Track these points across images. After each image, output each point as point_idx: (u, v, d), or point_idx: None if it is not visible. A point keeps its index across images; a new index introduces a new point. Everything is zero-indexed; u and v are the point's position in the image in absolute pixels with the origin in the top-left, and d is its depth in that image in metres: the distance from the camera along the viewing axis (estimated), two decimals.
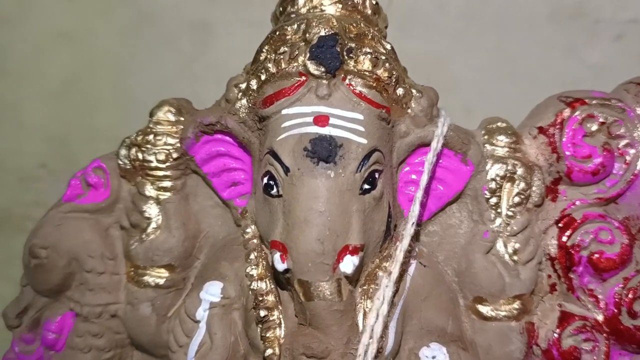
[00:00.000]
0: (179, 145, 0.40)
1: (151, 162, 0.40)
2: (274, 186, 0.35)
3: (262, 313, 0.36)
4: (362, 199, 0.35)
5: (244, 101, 0.38)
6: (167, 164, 0.40)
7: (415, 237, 0.37)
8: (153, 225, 0.41)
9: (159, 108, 0.42)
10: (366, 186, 0.35)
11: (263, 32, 0.88)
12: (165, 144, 0.40)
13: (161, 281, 0.41)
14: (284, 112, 0.35)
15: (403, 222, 0.37)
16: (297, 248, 0.33)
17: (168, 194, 0.41)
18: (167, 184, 0.41)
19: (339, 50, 0.35)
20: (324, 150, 0.33)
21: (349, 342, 0.34)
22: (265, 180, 0.36)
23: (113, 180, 0.42)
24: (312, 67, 0.35)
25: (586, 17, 0.80)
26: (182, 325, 0.38)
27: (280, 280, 0.37)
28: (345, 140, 0.34)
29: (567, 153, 0.41)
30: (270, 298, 0.37)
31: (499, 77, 0.83)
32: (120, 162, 0.42)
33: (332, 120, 0.34)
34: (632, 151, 0.41)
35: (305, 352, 0.34)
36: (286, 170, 0.34)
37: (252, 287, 0.38)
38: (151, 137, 0.41)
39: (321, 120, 0.34)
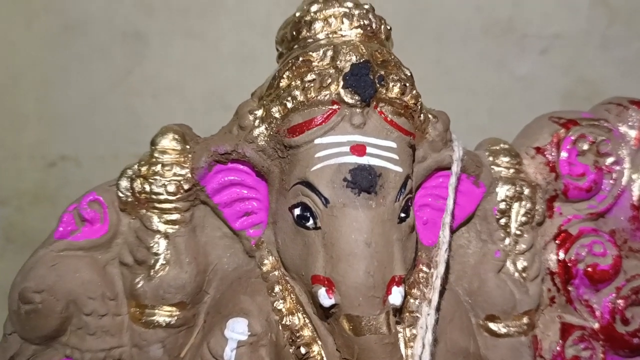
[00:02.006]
0: (189, 175, 0.38)
1: (160, 194, 0.38)
2: (310, 218, 0.34)
3: (303, 350, 0.35)
4: (399, 228, 0.35)
5: (262, 128, 0.37)
6: (178, 196, 0.38)
7: (446, 263, 0.38)
8: (161, 261, 0.38)
9: (162, 136, 0.39)
10: (402, 214, 0.35)
11: (200, 42, 0.86)
12: (175, 174, 0.38)
13: (173, 320, 0.39)
14: (317, 141, 0.34)
15: (433, 249, 0.37)
16: (347, 282, 0.33)
17: (177, 227, 0.39)
18: (175, 216, 0.38)
19: (372, 77, 0.34)
20: (364, 181, 0.33)
21: None
22: (297, 211, 0.35)
23: (111, 214, 0.39)
24: (346, 96, 0.34)
25: (515, 32, 0.85)
26: None
27: (317, 315, 0.36)
28: (384, 170, 0.34)
29: (564, 172, 0.43)
30: (307, 333, 0.36)
31: (437, 87, 0.86)
32: (121, 195, 0.39)
33: (369, 150, 0.34)
34: (617, 168, 0.44)
35: None
36: (325, 201, 0.34)
37: (283, 322, 0.37)
38: (158, 167, 0.38)
39: (358, 149, 0.34)
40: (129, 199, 0.39)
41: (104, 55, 0.81)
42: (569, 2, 0.84)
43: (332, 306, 0.34)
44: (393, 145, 0.35)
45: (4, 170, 0.83)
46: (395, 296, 0.33)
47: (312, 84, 0.35)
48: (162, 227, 0.38)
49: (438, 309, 0.36)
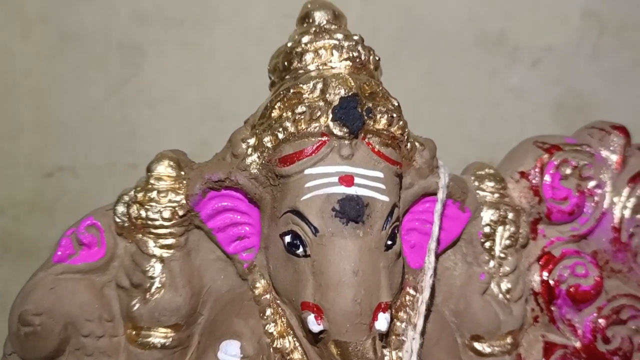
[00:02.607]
0: (184, 202, 0.39)
1: (156, 220, 0.39)
2: (300, 246, 0.35)
3: None
4: (386, 255, 0.36)
5: (254, 157, 0.38)
6: (173, 221, 0.39)
7: (431, 287, 0.39)
8: (157, 284, 0.39)
9: (158, 163, 0.40)
10: (389, 242, 0.36)
11: (195, 53, 0.87)
12: (170, 201, 0.39)
13: (168, 341, 0.40)
14: (307, 171, 0.36)
15: (419, 274, 0.39)
16: (335, 310, 0.34)
17: (172, 251, 0.40)
18: (170, 241, 0.40)
19: (360, 110, 0.35)
20: (352, 211, 0.34)
21: None
22: (288, 239, 0.36)
23: (108, 238, 0.40)
24: (335, 129, 0.35)
25: (507, 44, 0.86)
26: None
27: (306, 338, 0.37)
28: (371, 199, 0.35)
29: (547, 196, 0.44)
30: (297, 356, 0.37)
31: (429, 98, 0.87)
32: (118, 220, 0.40)
33: (357, 180, 0.35)
34: (599, 191, 0.46)
35: None
36: (315, 231, 0.35)
37: (274, 345, 0.38)
38: (154, 194, 0.39)
39: (347, 180, 0.35)
40: (126, 224, 0.40)
41: (100, 65, 0.82)
42: (559, 14, 0.85)
43: (321, 332, 0.35)
44: (380, 175, 0.36)
45: (1, 179, 0.83)
46: (381, 322, 0.35)
47: (303, 116, 0.36)
48: (158, 252, 0.40)
49: (423, 333, 0.38)
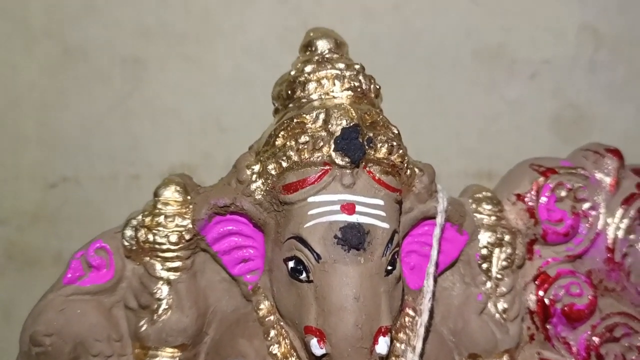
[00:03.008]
0: (191, 226, 0.40)
1: (163, 244, 0.40)
2: (303, 271, 0.37)
3: None
4: (387, 280, 0.37)
5: (259, 183, 0.39)
6: (180, 245, 0.40)
7: (430, 310, 0.40)
8: (164, 305, 0.41)
9: (165, 187, 0.42)
10: (389, 267, 0.37)
11: (197, 67, 0.88)
12: (177, 225, 0.40)
13: None
14: (310, 199, 0.37)
15: (414, 294, 0.40)
16: (337, 334, 0.35)
17: (178, 273, 0.41)
18: (177, 264, 0.41)
19: (361, 141, 0.37)
20: (354, 238, 0.36)
21: None
22: (291, 264, 0.37)
23: (117, 261, 0.42)
24: (337, 159, 0.37)
25: (505, 58, 0.87)
26: None
27: (307, 357, 0.38)
28: (372, 227, 0.37)
29: (543, 218, 0.46)
30: None
31: (428, 111, 0.88)
32: (126, 243, 0.41)
33: (358, 208, 0.36)
34: (594, 213, 0.47)
35: None
36: (317, 257, 0.36)
37: None
38: (161, 218, 0.41)
39: (348, 208, 0.36)
40: (134, 247, 0.41)
41: (103, 79, 0.83)
42: (556, 28, 0.86)
43: (323, 355, 0.36)
44: (381, 202, 0.37)
45: (5, 190, 0.84)
46: (382, 346, 0.36)
47: (306, 146, 0.37)
48: (165, 274, 0.41)
49: (422, 355, 0.39)
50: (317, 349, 0.36)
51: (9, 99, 0.83)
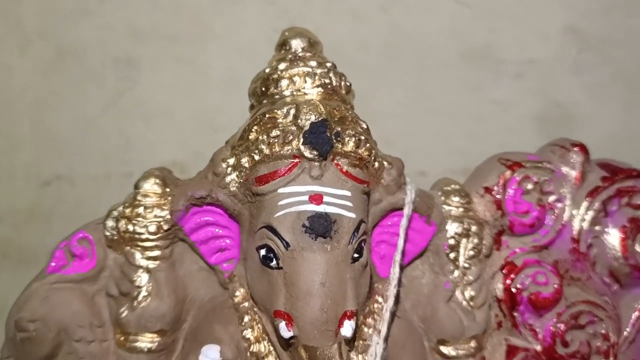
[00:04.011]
0: (169, 217, 0.42)
1: (142, 234, 0.42)
2: (273, 258, 0.39)
3: None
4: (353, 267, 0.39)
5: (233, 176, 0.41)
6: (158, 235, 0.42)
7: (395, 296, 0.42)
8: (144, 293, 0.43)
9: (145, 180, 0.43)
10: (356, 255, 0.39)
11: (189, 68, 0.90)
12: (156, 216, 0.42)
13: (153, 346, 0.43)
14: (280, 190, 0.39)
15: (384, 281, 0.42)
16: (304, 318, 0.37)
17: (157, 262, 0.43)
18: (156, 253, 0.43)
19: (329, 135, 0.39)
20: (321, 227, 0.37)
21: None
22: (263, 252, 0.39)
23: (99, 250, 0.44)
24: (306, 152, 0.39)
25: (491, 58, 0.88)
26: None
27: (279, 343, 0.40)
28: (338, 216, 0.38)
29: (509, 210, 0.47)
30: (271, 359, 0.40)
31: (416, 111, 0.89)
32: (108, 233, 0.43)
33: (325, 199, 0.38)
34: (559, 205, 0.49)
35: None
36: (286, 245, 0.38)
37: (251, 349, 0.41)
38: (141, 209, 0.43)
39: (316, 198, 0.38)
40: (115, 237, 0.43)
41: (97, 79, 0.84)
42: (541, 29, 0.87)
43: (291, 338, 0.38)
44: (348, 193, 0.39)
45: (0, 189, 0.86)
46: (346, 329, 0.38)
47: (277, 140, 0.39)
48: (144, 263, 0.43)
49: (387, 339, 0.41)
50: (285, 331, 0.38)
51: (3, 99, 0.84)
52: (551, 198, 0.48)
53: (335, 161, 0.39)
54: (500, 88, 0.88)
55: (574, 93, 0.88)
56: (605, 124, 0.88)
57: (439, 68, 0.87)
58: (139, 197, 0.43)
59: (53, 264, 0.44)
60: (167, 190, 0.43)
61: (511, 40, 0.87)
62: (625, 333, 0.50)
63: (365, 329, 0.41)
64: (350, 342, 0.40)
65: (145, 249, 0.43)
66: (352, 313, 0.38)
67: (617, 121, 0.89)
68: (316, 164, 0.39)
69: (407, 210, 0.42)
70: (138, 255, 0.43)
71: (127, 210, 0.43)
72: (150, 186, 0.43)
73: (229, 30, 0.85)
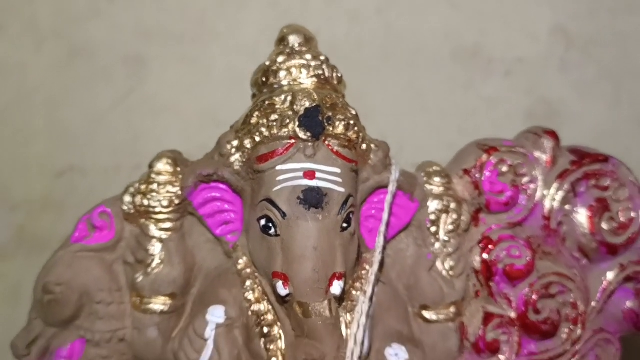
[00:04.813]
0: (179, 192, 0.48)
1: (156, 207, 0.47)
2: (272, 227, 0.44)
3: (266, 329, 0.45)
4: (342, 235, 0.44)
5: (237, 156, 0.46)
6: (170, 209, 0.48)
7: (380, 262, 0.47)
8: (157, 260, 0.48)
9: (158, 160, 0.49)
10: (344, 225, 0.44)
11: (194, 66, 0.93)
12: (168, 192, 0.48)
13: (165, 308, 0.48)
14: (278, 167, 0.44)
15: (371, 251, 0.47)
16: (298, 278, 0.42)
17: (169, 233, 0.48)
18: (168, 225, 0.48)
19: (321, 119, 0.44)
20: (313, 199, 0.43)
21: (339, 348, 0.43)
22: (263, 222, 0.44)
23: (117, 223, 0.49)
24: (300, 133, 0.44)
25: (481, 57, 0.92)
26: (192, 344, 0.46)
27: (278, 302, 0.45)
28: (329, 190, 0.43)
29: (486, 189, 0.52)
30: (270, 317, 0.46)
31: (409, 107, 0.93)
32: (125, 208, 0.48)
33: (318, 175, 0.43)
34: (532, 186, 0.53)
35: (306, 357, 0.43)
36: (283, 215, 0.43)
37: (252, 309, 0.46)
38: (155, 186, 0.48)
39: (309, 174, 0.43)
40: (131, 211, 0.49)
41: (107, 77, 0.89)
42: (530, 30, 0.91)
43: (287, 295, 0.43)
44: (338, 170, 0.44)
45: (16, 179, 0.90)
46: (336, 288, 0.43)
47: (275, 123, 0.44)
48: (158, 234, 0.48)
49: (371, 298, 0.46)
50: (282, 290, 0.43)
51: (19, 95, 0.89)
52: (524, 180, 0.53)
53: (326, 142, 0.44)
54: (490, 86, 0.92)
55: (561, 91, 0.92)
56: (591, 120, 0.92)
57: (431, 67, 0.91)
58: (152, 175, 0.48)
59: (76, 234, 0.49)
60: (178, 169, 0.48)
61: (500, 40, 0.91)
62: (593, 304, 0.55)
63: (354, 292, 0.46)
64: (339, 300, 0.45)
65: (159, 221, 0.48)
66: (341, 274, 0.43)
67: (602, 117, 0.93)
68: (310, 144, 0.44)
69: (391, 188, 0.47)
70: (152, 227, 0.48)
71: (143, 187, 0.48)
72: (163, 166, 0.48)
73: (231, 30, 0.89)
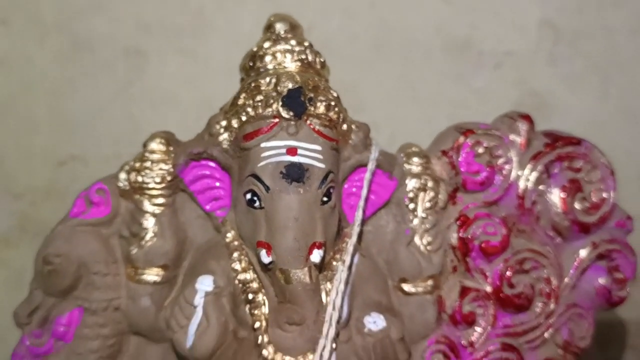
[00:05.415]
0: (172, 170, 0.51)
1: (149, 183, 0.50)
2: (257, 200, 0.47)
3: (250, 296, 0.48)
4: (322, 209, 0.47)
5: (225, 135, 0.49)
6: (163, 185, 0.51)
7: (359, 236, 0.50)
8: (150, 233, 0.51)
9: (152, 140, 0.52)
10: (325, 199, 0.47)
11: (193, 58, 0.96)
12: (161, 169, 0.51)
13: (158, 278, 0.51)
14: (262, 145, 0.47)
15: (351, 225, 0.50)
16: (280, 246, 0.45)
17: (162, 208, 0.51)
18: (161, 200, 0.51)
19: (303, 99, 0.47)
20: (295, 174, 0.46)
21: (319, 312, 0.46)
22: (248, 196, 0.47)
23: (113, 199, 0.52)
24: (283, 112, 0.47)
25: (471, 49, 0.94)
26: (182, 311, 0.49)
27: (262, 270, 0.48)
28: (310, 166, 0.46)
29: (463, 170, 0.55)
30: (255, 285, 0.49)
31: (401, 99, 0.95)
32: (120, 184, 0.52)
33: (299, 151, 0.46)
34: (507, 167, 0.56)
35: (287, 321, 0.46)
36: (267, 188, 0.46)
37: (238, 278, 0.49)
38: (148, 163, 0.51)
39: (292, 151, 0.46)
40: (126, 187, 0.52)
41: (108, 69, 0.92)
42: (519, 23, 0.93)
43: (270, 263, 0.46)
44: (318, 148, 0.47)
45: (19, 168, 0.93)
46: (315, 256, 0.46)
47: (260, 103, 0.47)
48: (151, 209, 0.51)
49: (350, 267, 0.49)
50: (266, 257, 0.46)
51: (23, 86, 0.92)
52: (500, 161, 0.56)
53: (308, 121, 0.47)
54: (480, 78, 0.95)
55: (550, 83, 0.94)
56: (578, 112, 0.94)
57: (422, 59, 0.94)
58: (146, 154, 0.51)
59: (75, 209, 0.52)
60: (171, 148, 0.52)
61: (490, 33, 0.93)
62: (566, 280, 0.57)
63: (334, 263, 0.49)
64: (320, 269, 0.48)
65: (152, 196, 0.51)
66: (321, 244, 0.46)
67: (590, 109, 0.95)
68: (292, 123, 0.47)
69: (370, 166, 0.50)
70: (146, 202, 0.51)
71: (137, 164, 0.51)
72: (156, 145, 0.51)
73: (229, 24, 0.92)
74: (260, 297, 0.48)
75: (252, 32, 0.92)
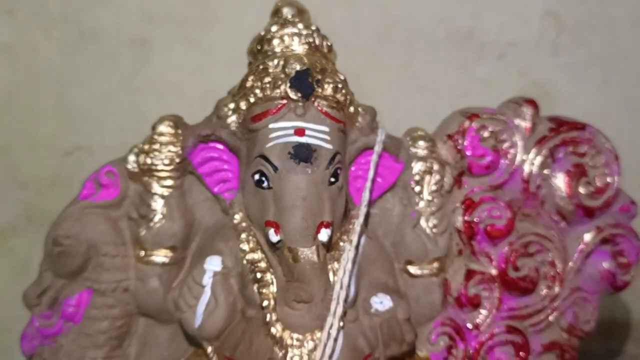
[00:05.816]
0: (180, 152, 0.51)
1: (158, 165, 0.51)
2: (265, 181, 0.47)
3: (259, 275, 0.48)
4: (330, 189, 0.48)
5: (233, 117, 0.50)
6: (171, 167, 0.51)
7: (365, 217, 0.51)
8: (159, 215, 0.51)
9: (160, 123, 0.52)
10: (332, 179, 0.48)
11: (198, 49, 0.96)
12: (169, 151, 0.51)
13: (166, 260, 0.52)
14: (270, 126, 0.47)
15: (357, 207, 0.50)
16: (288, 225, 0.46)
17: (170, 190, 0.52)
18: (169, 182, 0.51)
19: (311, 81, 0.47)
20: (303, 154, 0.46)
21: (326, 291, 0.47)
22: (257, 176, 0.48)
23: (122, 181, 0.52)
24: (291, 94, 0.47)
25: (475, 40, 0.94)
26: (190, 291, 0.49)
27: (270, 250, 0.49)
28: (318, 147, 0.47)
29: (468, 153, 0.55)
30: (263, 264, 0.49)
31: (405, 89, 0.96)
32: (129, 167, 0.52)
33: (307, 132, 0.47)
34: (512, 151, 0.56)
35: (295, 299, 0.46)
36: (275, 169, 0.47)
37: (246, 258, 0.50)
38: (157, 146, 0.51)
39: (300, 132, 0.47)
40: (135, 170, 0.52)
41: (114, 59, 0.92)
42: (522, 14, 0.94)
43: (278, 242, 0.46)
44: (326, 129, 0.48)
45: (26, 158, 0.93)
46: (323, 235, 0.46)
47: (268, 85, 0.48)
48: (160, 191, 0.51)
49: (357, 247, 0.49)
50: (274, 236, 0.46)
51: (30, 76, 0.92)
52: (505, 145, 0.56)
53: (315, 103, 0.48)
54: (483, 68, 0.95)
55: (552, 73, 0.95)
56: (581, 102, 0.94)
57: (426, 49, 0.94)
58: (155, 136, 0.52)
59: (84, 192, 0.52)
60: (179, 131, 0.52)
61: (494, 24, 0.94)
62: (570, 263, 0.58)
63: (341, 244, 0.50)
64: (327, 248, 0.49)
65: (160, 178, 0.51)
66: (328, 223, 0.47)
67: (592, 99, 0.95)
68: (300, 104, 0.47)
69: (377, 148, 0.51)
70: (154, 185, 0.51)
71: (146, 147, 0.52)
72: (165, 127, 0.52)
73: (233, 14, 0.92)
74: (269, 276, 0.49)
75: (257, 22, 0.93)
